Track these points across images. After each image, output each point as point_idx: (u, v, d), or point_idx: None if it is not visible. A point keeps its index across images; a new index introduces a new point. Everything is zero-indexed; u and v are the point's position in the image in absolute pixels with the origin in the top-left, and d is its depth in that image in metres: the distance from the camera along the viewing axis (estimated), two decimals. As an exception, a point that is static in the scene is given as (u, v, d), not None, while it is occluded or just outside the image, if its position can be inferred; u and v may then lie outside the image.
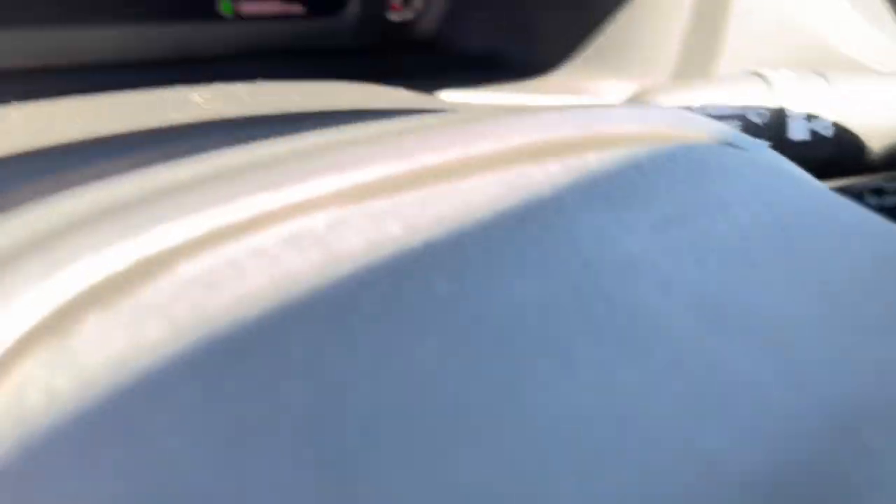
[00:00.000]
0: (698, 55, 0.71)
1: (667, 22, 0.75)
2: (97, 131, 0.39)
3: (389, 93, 0.56)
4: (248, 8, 0.82)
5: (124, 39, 0.77)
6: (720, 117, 0.53)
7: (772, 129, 0.54)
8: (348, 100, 0.49)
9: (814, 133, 0.54)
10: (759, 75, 0.56)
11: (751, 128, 0.54)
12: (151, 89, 0.49)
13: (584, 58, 0.79)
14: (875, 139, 0.55)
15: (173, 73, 0.79)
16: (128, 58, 0.77)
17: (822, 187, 0.32)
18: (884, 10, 0.71)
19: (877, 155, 0.55)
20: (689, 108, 0.54)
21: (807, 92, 0.54)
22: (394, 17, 0.92)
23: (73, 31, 0.74)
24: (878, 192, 0.62)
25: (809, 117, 0.54)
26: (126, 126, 0.40)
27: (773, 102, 0.54)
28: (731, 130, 0.35)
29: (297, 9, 0.85)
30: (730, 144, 0.33)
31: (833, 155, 0.54)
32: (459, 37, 0.91)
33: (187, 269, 0.19)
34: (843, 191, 0.43)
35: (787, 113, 0.54)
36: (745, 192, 0.27)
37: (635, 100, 0.62)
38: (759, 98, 0.54)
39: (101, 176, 0.25)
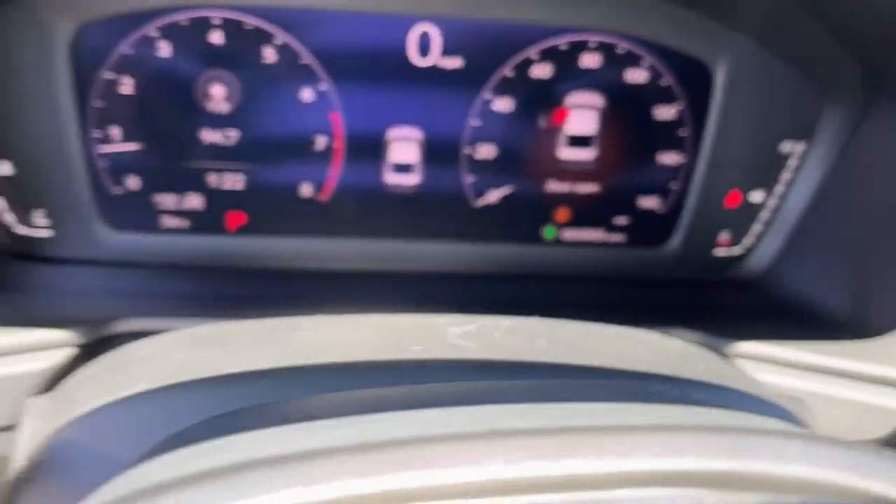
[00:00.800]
0: None
1: None
2: (345, 353, 0.45)
3: (655, 344, 0.55)
4: (569, 235, 0.88)
5: (458, 254, 0.87)
6: None
7: None
8: (597, 349, 0.50)
9: None
10: None
11: None
12: (426, 314, 0.55)
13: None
14: None
15: (497, 288, 0.87)
16: (459, 270, 0.87)
17: None
18: None
19: None
20: None
21: None
22: (720, 252, 0.90)
23: (418, 244, 0.87)
24: None
25: None
26: (373, 351, 0.46)
27: None
28: None
29: (618, 238, 0.89)
30: None
31: None
32: (787, 280, 0.85)
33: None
34: None
35: None
36: None
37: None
38: None
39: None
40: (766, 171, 0.87)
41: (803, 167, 0.86)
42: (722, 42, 0.82)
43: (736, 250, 0.90)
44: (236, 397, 0.38)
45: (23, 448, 0.44)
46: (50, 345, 0.62)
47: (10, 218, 0.80)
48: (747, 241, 0.90)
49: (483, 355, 0.46)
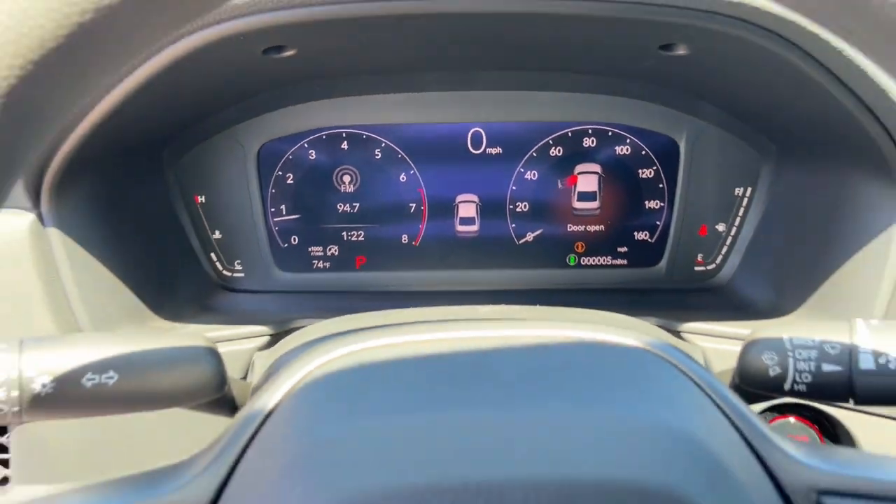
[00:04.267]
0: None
1: (872, 288, 0.95)
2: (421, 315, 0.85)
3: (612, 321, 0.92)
4: (587, 261, 1.26)
5: (507, 278, 1.26)
6: (802, 347, 0.78)
7: (843, 358, 0.76)
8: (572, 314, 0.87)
9: (878, 364, 0.75)
10: (853, 321, 0.79)
11: (833, 351, 0.77)
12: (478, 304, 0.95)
13: (812, 306, 1.02)
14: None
15: (535, 300, 1.25)
16: (508, 289, 1.26)
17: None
18: None
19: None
20: (780, 338, 0.79)
21: (879, 334, 0.75)
22: (698, 268, 1.25)
23: (479, 272, 1.26)
24: None
25: (878, 354, 0.75)
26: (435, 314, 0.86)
27: (850, 340, 0.77)
28: (671, 347, 0.65)
29: (620, 262, 1.26)
30: (658, 355, 0.63)
31: (900, 383, 0.74)
32: (740, 286, 1.20)
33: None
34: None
35: (857, 345, 0.75)
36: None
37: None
38: (839, 336, 0.77)
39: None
40: (725, 208, 1.23)
41: (751, 205, 1.21)
42: (681, 123, 1.19)
43: (710, 266, 1.25)
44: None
45: (257, 373, 0.87)
46: (254, 334, 1.05)
47: (220, 266, 1.26)
48: (716, 261, 1.25)
49: (495, 316, 0.85)
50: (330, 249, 1.26)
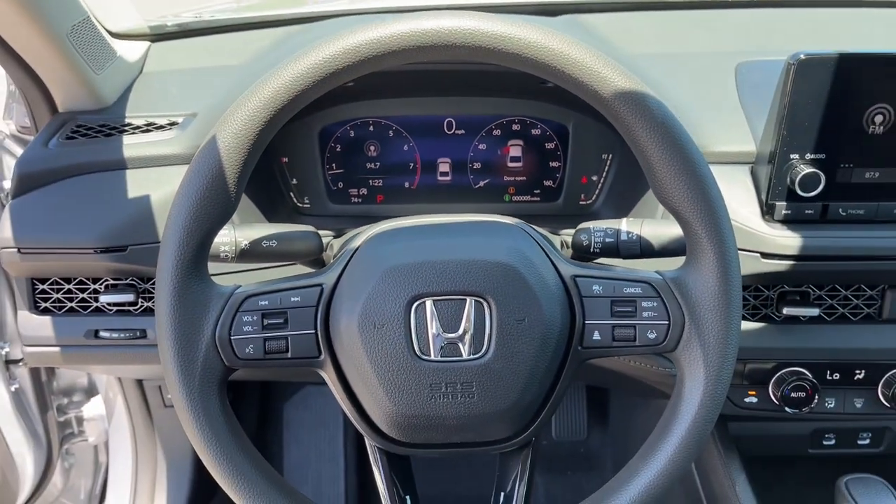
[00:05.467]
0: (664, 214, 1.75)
1: (654, 206, 1.79)
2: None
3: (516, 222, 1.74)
4: (516, 199, 2.09)
5: (465, 209, 2.09)
6: (597, 230, 1.62)
7: (614, 234, 1.61)
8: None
9: (628, 237, 1.59)
10: (622, 219, 1.63)
11: (610, 233, 1.61)
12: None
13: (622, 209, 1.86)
14: (654, 243, 1.58)
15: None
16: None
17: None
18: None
19: (653, 248, 1.58)
20: (589, 227, 1.63)
21: (632, 224, 1.60)
22: (581, 203, 2.09)
23: (451, 206, 2.09)
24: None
25: (628, 232, 1.59)
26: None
27: (619, 226, 1.60)
28: (527, 225, 1.50)
29: (536, 199, 2.09)
30: (518, 226, 1.47)
31: (639, 247, 1.58)
32: (603, 212, 2.04)
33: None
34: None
35: (621, 229, 1.60)
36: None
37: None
38: (616, 226, 1.61)
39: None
40: (597, 166, 2.05)
41: (612, 165, 2.04)
42: (569, 115, 2.01)
43: (588, 201, 2.09)
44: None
45: (335, 248, 1.70)
46: (323, 235, 1.88)
47: (295, 200, 2.09)
48: (592, 198, 2.08)
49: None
50: (361, 191, 2.09)
